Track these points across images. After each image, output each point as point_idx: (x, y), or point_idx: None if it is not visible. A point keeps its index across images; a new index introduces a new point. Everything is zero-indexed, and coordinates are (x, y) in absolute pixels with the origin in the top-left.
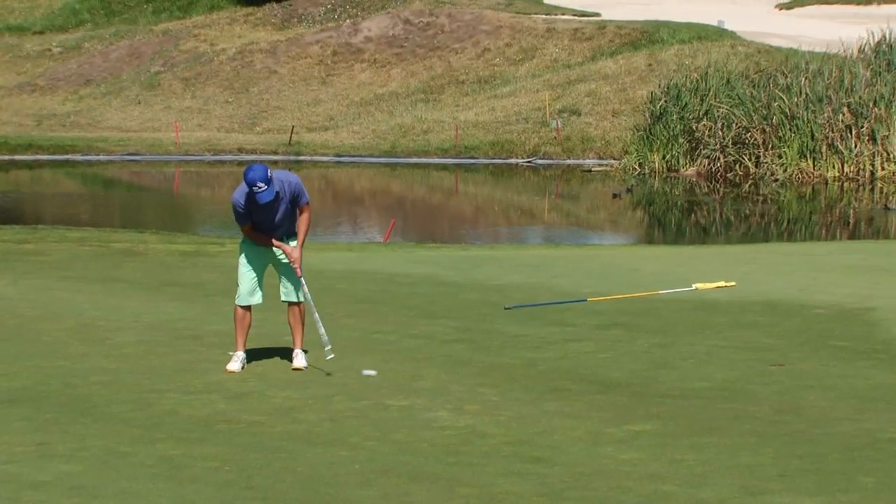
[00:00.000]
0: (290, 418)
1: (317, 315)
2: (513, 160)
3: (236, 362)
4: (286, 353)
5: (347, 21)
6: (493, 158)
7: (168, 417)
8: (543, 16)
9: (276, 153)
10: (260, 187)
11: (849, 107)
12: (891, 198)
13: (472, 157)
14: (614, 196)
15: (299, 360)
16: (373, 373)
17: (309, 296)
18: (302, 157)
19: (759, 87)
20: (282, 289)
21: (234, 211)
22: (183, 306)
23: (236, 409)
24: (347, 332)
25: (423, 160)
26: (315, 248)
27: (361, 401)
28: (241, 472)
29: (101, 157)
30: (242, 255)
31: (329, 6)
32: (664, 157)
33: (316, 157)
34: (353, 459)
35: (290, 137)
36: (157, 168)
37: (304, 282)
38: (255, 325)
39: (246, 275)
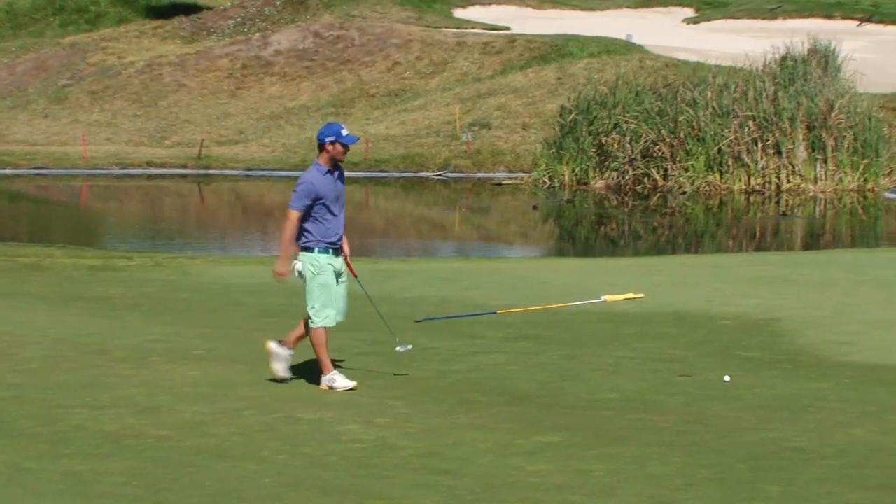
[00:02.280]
0: (199, 432)
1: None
2: (423, 173)
3: (344, 380)
4: (195, 367)
5: (257, 34)
6: (403, 172)
7: (75, 433)
8: (454, 30)
9: (185, 167)
10: (347, 130)
11: (754, 120)
12: (795, 209)
13: (382, 171)
14: (534, 207)
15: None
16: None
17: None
18: (211, 171)
19: (666, 100)
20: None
21: (295, 193)
22: (90, 321)
23: (145, 424)
24: (257, 346)
25: None
26: (225, 261)
27: (271, 414)
28: (150, 488)
29: (8, 171)
30: (323, 276)
31: (238, 19)
32: (574, 171)
33: (226, 171)
34: (262, 473)
35: (200, 151)
36: (64, 182)
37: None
38: (167, 339)
39: (327, 295)
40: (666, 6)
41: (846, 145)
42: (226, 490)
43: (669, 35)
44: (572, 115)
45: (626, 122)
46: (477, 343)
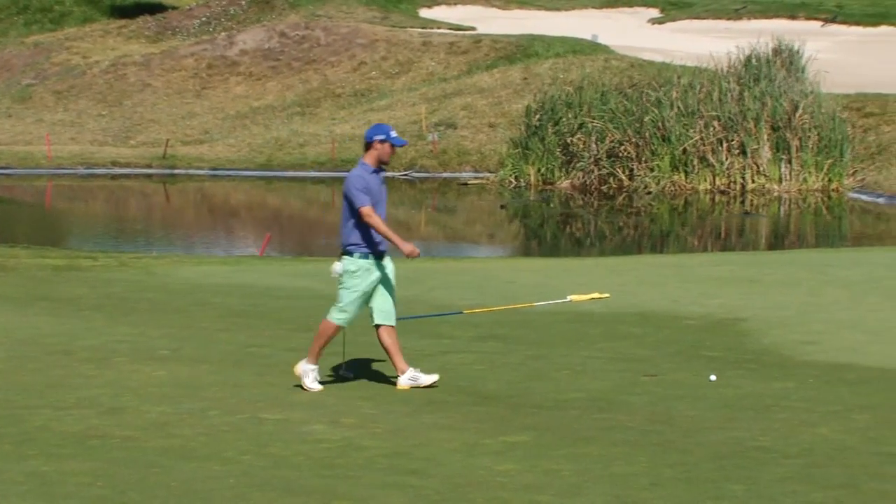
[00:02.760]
0: (164, 433)
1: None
2: (389, 173)
3: (314, 382)
4: (160, 367)
5: (222, 34)
6: None
7: (40, 433)
8: (419, 29)
9: (150, 166)
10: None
11: (719, 120)
12: (760, 209)
13: (348, 171)
14: (502, 207)
15: (404, 379)
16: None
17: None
18: (177, 171)
19: (632, 100)
20: (377, 311)
21: (355, 190)
22: (54, 321)
23: (110, 425)
24: (223, 347)
25: (300, 173)
26: (190, 261)
27: (237, 415)
28: (115, 488)
29: None
30: (358, 281)
31: (204, 19)
32: (539, 171)
33: (191, 171)
34: (228, 474)
35: (165, 151)
36: (28, 182)
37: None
38: (132, 340)
39: (356, 301)
40: (631, 6)
41: (810, 145)
42: (191, 491)
43: (635, 35)
44: (538, 115)
45: (592, 122)
46: (444, 343)
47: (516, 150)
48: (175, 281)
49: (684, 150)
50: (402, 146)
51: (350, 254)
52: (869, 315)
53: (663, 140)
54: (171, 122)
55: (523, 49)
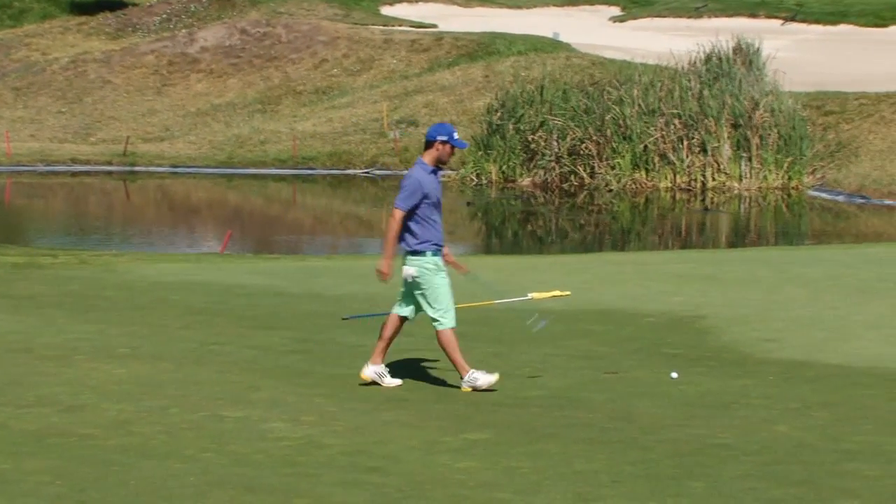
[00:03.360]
0: (124, 431)
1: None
2: (351, 171)
3: (487, 376)
4: (120, 365)
5: (183, 31)
6: (331, 169)
7: None
8: (381, 27)
9: (110, 164)
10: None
11: (680, 118)
12: (720, 206)
13: (309, 168)
14: (468, 204)
15: (370, 370)
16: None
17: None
18: (137, 168)
19: (593, 98)
20: (405, 303)
21: (409, 188)
22: (14, 319)
23: (69, 423)
24: (183, 344)
25: (261, 171)
26: (150, 259)
27: (197, 412)
28: (74, 486)
29: None
30: (442, 276)
31: (164, 16)
32: (501, 168)
33: (151, 168)
34: (187, 472)
35: (125, 148)
36: None
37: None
38: (92, 337)
39: (447, 295)
40: (592, 4)
41: (770, 143)
42: (151, 489)
43: (596, 33)
44: (499, 112)
45: (553, 119)
46: (404, 341)
47: (478, 148)
48: (135, 278)
49: (645, 148)
50: (462, 149)
51: (422, 254)
52: (828, 312)
53: (624, 138)
54: (132, 119)
55: (485, 47)
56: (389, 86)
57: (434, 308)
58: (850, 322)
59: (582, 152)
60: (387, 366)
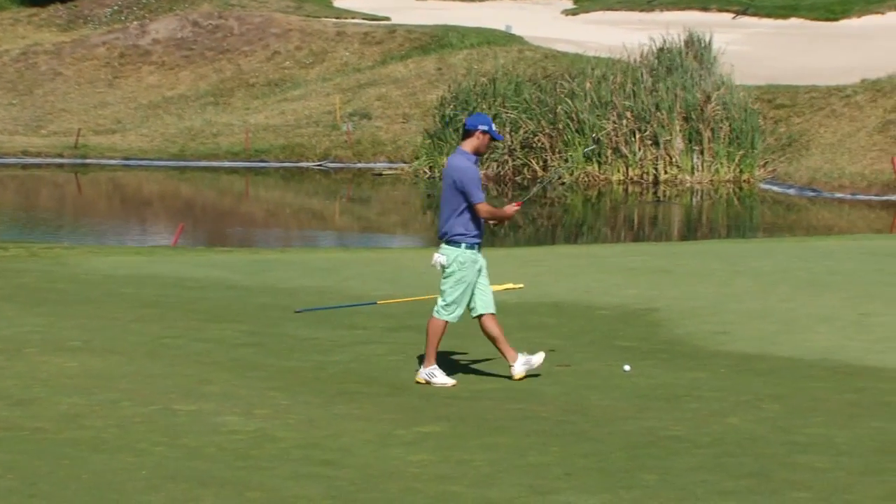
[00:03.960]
0: (75, 424)
1: None
2: (304, 164)
3: (444, 377)
4: (72, 358)
5: (134, 23)
6: (283, 162)
7: None
8: (333, 19)
9: (61, 156)
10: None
11: (632, 112)
12: (672, 199)
13: (262, 161)
14: (429, 196)
15: (519, 366)
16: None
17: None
18: (89, 160)
19: (546, 91)
20: (478, 302)
21: (473, 184)
22: None
23: (19, 416)
24: (135, 337)
25: (213, 164)
26: (102, 252)
27: (149, 406)
28: (25, 480)
29: None
30: (465, 272)
31: (115, 7)
32: None
33: (103, 161)
34: (140, 465)
35: (77, 140)
36: None
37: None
38: (43, 330)
39: (465, 293)
40: None
41: (722, 136)
42: (103, 482)
43: (548, 26)
44: (451, 105)
45: (506, 112)
46: (357, 334)
47: (430, 141)
48: (87, 271)
49: (597, 141)
50: (499, 141)
51: (457, 244)
52: (779, 305)
53: (577, 131)
54: (83, 111)
55: (438, 40)
56: (342, 78)
57: (441, 297)
58: (801, 315)
59: (535, 145)
60: (526, 351)
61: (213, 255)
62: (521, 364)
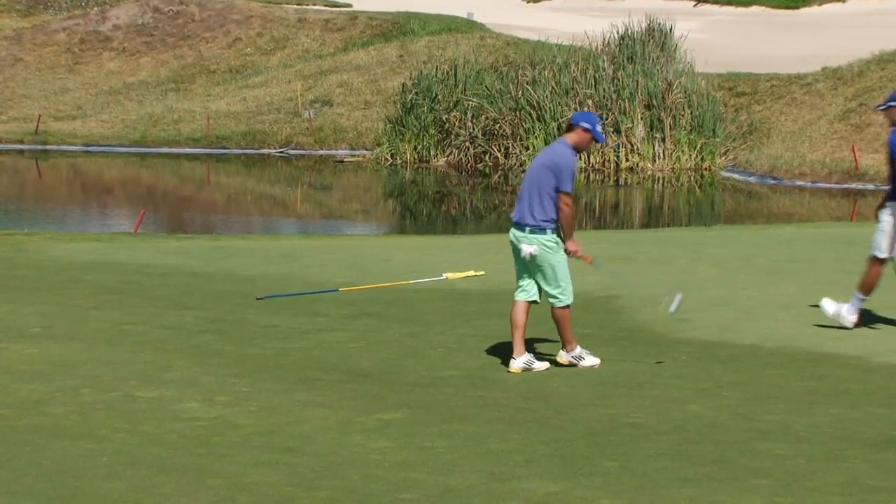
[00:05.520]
0: (36, 411)
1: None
2: (265, 150)
3: (591, 357)
4: (32, 345)
5: (95, 8)
6: (245, 149)
7: None
8: (295, 6)
9: (22, 142)
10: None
11: (594, 99)
12: (634, 186)
13: (223, 148)
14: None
15: (518, 363)
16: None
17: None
18: (49, 147)
19: (507, 79)
20: (527, 285)
21: (570, 173)
22: None
23: None
24: (95, 324)
25: (174, 150)
26: (62, 238)
27: (110, 392)
28: None
29: None
30: (563, 254)
31: None
32: (416, 148)
33: (63, 147)
34: (100, 452)
35: (37, 126)
36: None
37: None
38: (2, 317)
39: (567, 272)
40: None
41: (683, 124)
42: (63, 469)
43: (510, 13)
44: (413, 92)
45: (468, 99)
46: (319, 321)
47: (392, 128)
48: (47, 258)
49: (558, 129)
50: (600, 143)
51: (544, 231)
52: (740, 293)
53: (538, 119)
54: (43, 97)
55: (399, 26)
56: (303, 65)
57: (553, 285)
58: (762, 302)
59: (496, 132)
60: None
61: (174, 242)
62: (574, 355)
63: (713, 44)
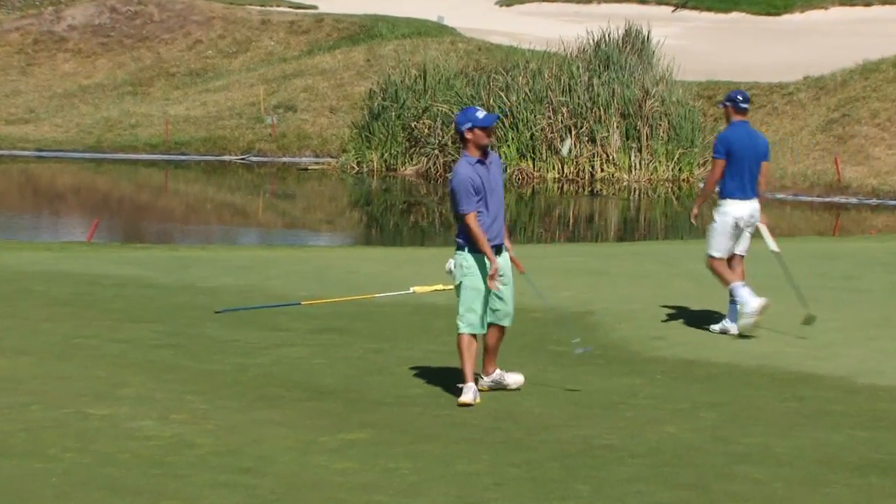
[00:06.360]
0: None
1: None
2: (226, 157)
3: (469, 393)
4: None
5: (49, 8)
6: (204, 155)
7: None
8: (258, 7)
9: None
10: (483, 110)
11: (567, 107)
12: (610, 195)
13: (182, 154)
14: (385, 190)
15: (486, 381)
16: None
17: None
18: (0, 151)
19: (478, 85)
20: (490, 310)
21: (459, 190)
22: None
23: None
24: (46, 337)
25: (131, 156)
26: (11, 247)
27: (60, 410)
28: None
29: None
30: (471, 278)
31: None
32: (382, 156)
33: (15, 152)
34: (49, 472)
35: None
36: None
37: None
38: None
39: (478, 299)
40: None
41: (661, 134)
42: (10, 489)
43: (482, 17)
44: (380, 98)
45: (437, 106)
46: (280, 335)
47: (358, 135)
48: None
49: (532, 137)
50: (492, 124)
51: (460, 248)
52: (718, 309)
53: (511, 126)
54: None
55: (367, 29)
56: (267, 69)
57: (458, 308)
58: None
59: None
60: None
61: (129, 252)
62: (487, 381)
63: (692, 51)
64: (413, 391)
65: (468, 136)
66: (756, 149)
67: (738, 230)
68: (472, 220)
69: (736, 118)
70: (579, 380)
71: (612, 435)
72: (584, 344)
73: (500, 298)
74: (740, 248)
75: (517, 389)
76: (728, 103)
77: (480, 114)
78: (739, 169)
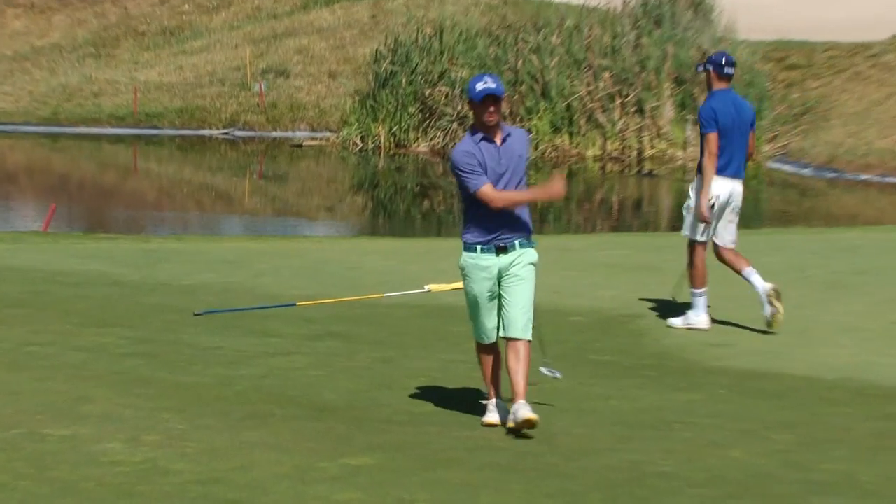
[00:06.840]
0: None
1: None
2: (205, 131)
3: (495, 412)
4: None
5: None
6: (180, 129)
7: None
8: None
9: None
10: (486, 81)
11: (611, 72)
12: (661, 175)
13: (154, 127)
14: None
15: (524, 411)
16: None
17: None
18: None
19: (504, 45)
20: (503, 321)
21: (458, 169)
22: None
23: None
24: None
25: (94, 130)
26: None
27: (11, 430)
28: None
29: None
30: (467, 282)
31: None
32: (391, 130)
33: None
34: (1, 503)
35: None
36: None
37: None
38: None
39: (475, 307)
40: None
41: None
42: None
43: None
44: (388, 61)
45: (456, 71)
46: (271, 342)
47: (362, 105)
48: None
49: (568, 107)
50: (484, 96)
51: (464, 246)
52: (792, 312)
53: (542, 95)
54: None
55: None
56: (254, 27)
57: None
58: (818, 323)
59: None
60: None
61: (92, 244)
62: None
63: (758, 4)
64: (428, 408)
65: (471, 107)
66: (742, 120)
67: (720, 211)
68: (488, 190)
69: (719, 85)
70: (627, 395)
71: (666, 460)
72: (556, 367)
73: (509, 302)
74: (727, 240)
75: (493, 426)
76: (710, 66)
77: (480, 85)
78: (726, 142)
